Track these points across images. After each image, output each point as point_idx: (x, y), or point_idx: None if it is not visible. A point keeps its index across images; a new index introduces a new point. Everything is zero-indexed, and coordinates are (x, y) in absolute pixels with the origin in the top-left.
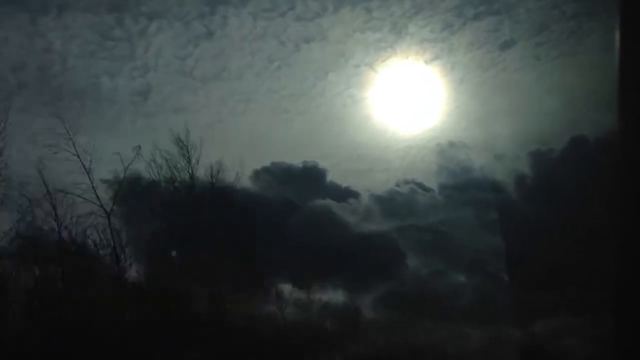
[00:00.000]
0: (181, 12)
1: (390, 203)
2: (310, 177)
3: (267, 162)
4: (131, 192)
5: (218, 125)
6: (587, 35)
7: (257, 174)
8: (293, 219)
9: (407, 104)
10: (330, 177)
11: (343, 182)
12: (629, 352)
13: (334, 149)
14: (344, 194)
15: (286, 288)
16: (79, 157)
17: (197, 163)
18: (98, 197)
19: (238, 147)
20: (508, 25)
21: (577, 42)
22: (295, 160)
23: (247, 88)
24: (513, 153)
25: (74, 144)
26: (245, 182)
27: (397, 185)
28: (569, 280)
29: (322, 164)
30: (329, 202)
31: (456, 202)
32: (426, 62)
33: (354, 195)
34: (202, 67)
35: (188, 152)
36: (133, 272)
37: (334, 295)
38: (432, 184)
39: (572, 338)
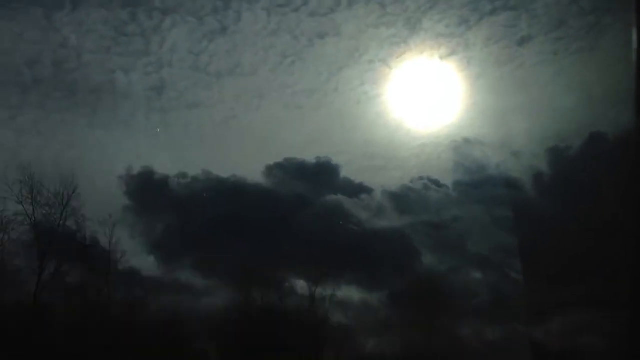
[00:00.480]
0: (195, 7)
1: (404, 199)
2: (323, 173)
3: (280, 158)
4: (145, 188)
5: (232, 121)
6: (605, 30)
7: (269, 170)
8: (306, 215)
9: (422, 101)
10: (345, 173)
11: (357, 179)
12: None
13: (348, 145)
14: (358, 190)
15: (300, 283)
16: None
17: None
18: None
19: (253, 143)
20: (525, 20)
21: (596, 37)
22: (309, 156)
23: (261, 84)
24: (530, 150)
25: None
26: (259, 177)
27: (411, 181)
28: (587, 277)
29: (336, 160)
30: (342, 198)
31: (471, 199)
32: (442, 58)
33: (368, 191)
34: (216, 62)
35: None
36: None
37: (348, 291)
38: (448, 181)
39: (588, 333)
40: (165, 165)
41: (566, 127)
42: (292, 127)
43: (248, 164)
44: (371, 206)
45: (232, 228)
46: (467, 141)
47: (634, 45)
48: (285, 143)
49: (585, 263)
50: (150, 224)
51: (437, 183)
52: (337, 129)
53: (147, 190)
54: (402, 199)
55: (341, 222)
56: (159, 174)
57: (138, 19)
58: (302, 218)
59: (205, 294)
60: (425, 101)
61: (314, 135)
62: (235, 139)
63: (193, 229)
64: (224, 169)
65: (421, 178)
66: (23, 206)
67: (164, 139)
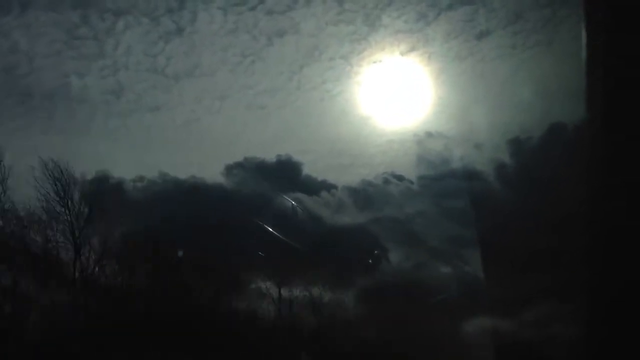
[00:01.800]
0: (148, 8)
1: (368, 196)
2: (285, 171)
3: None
4: (100, 192)
5: (194, 124)
6: (561, 23)
7: (229, 170)
8: (266, 214)
9: (385, 97)
10: (311, 172)
11: (323, 177)
12: (603, 336)
13: (313, 144)
14: (320, 188)
15: (263, 284)
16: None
17: None
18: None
19: (215, 145)
20: (483, 14)
21: (552, 30)
22: (274, 157)
23: (221, 84)
24: (492, 142)
25: None
26: (219, 178)
27: (375, 177)
28: (551, 268)
29: (302, 159)
30: (301, 195)
31: (435, 192)
32: (402, 54)
33: (330, 188)
34: (174, 64)
35: None
36: (105, 273)
37: (315, 291)
38: (413, 176)
39: (552, 324)
40: (126, 169)
41: (526, 119)
42: (256, 128)
43: (210, 165)
44: (334, 203)
45: (190, 229)
46: (429, 135)
47: (583, 40)
48: (249, 144)
49: (550, 253)
50: (105, 230)
51: (400, 178)
52: (302, 128)
53: (101, 195)
54: (365, 195)
55: (304, 220)
56: (113, 177)
57: (90, 21)
58: (262, 217)
59: (166, 300)
60: (388, 97)
61: (279, 135)
62: (198, 142)
63: (151, 233)
64: (185, 171)
65: (386, 174)
66: None
67: (125, 144)
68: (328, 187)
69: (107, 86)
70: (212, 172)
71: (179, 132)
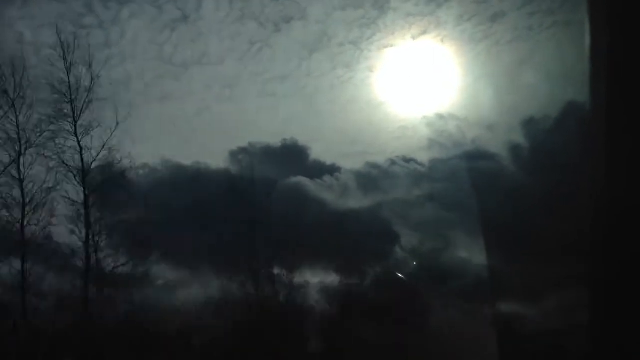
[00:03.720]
0: None
1: (381, 180)
2: (291, 156)
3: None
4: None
5: (205, 112)
6: (579, 3)
7: (233, 155)
8: (273, 199)
9: (397, 82)
10: (320, 158)
11: (332, 162)
12: (604, 326)
13: (326, 132)
14: (328, 171)
15: (274, 272)
16: None
17: None
18: None
19: (227, 134)
20: None
21: (570, 11)
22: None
23: (230, 72)
24: (506, 123)
25: None
26: (225, 163)
27: (390, 163)
28: (564, 255)
29: (313, 146)
30: (310, 180)
31: (446, 175)
32: (414, 38)
33: (338, 171)
34: (181, 52)
35: None
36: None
37: (326, 277)
38: (425, 159)
39: (566, 313)
40: (135, 159)
41: (542, 100)
42: (267, 116)
43: (218, 152)
44: (338, 187)
45: (195, 216)
46: (440, 117)
47: (587, 26)
48: (260, 132)
49: (562, 240)
50: (111, 219)
51: (408, 160)
52: (313, 115)
53: (106, 184)
54: (378, 180)
55: (314, 205)
56: (116, 166)
57: (94, 11)
58: (268, 202)
59: (179, 287)
60: (400, 83)
61: (290, 123)
62: (209, 130)
63: (157, 220)
64: (192, 159)
65: (395, 157)
66: None
67: (133, 134)
68: (333, 170)
69: (114, 76)
70: (218, 158)
71: (189, 121)
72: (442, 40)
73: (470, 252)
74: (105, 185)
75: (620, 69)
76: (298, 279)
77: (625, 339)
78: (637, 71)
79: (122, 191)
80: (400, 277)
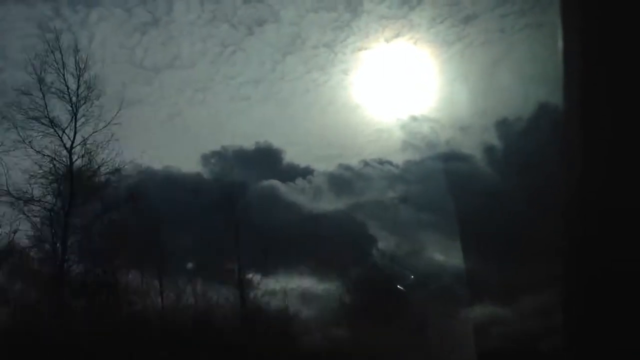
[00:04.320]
0: None
1: (354, 182)
2: (264, 159)
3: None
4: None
5: (177, 117)
6: (551, 5)
7: (206, 159)
8: (245, 202)
9: (372, 85)
10: (295, 161)
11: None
12: (579, 327)
13: (301, 136)
14: (302, 173)
15: (248, 276)
16: None
17: None
18: None
19: (199, 138)
20: None
21: (541, 13)
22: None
23: (202, 76)
24: (479, 124)
25: None
26: (196, 167)
27: (363, 165)
28: (539, 256)
29: (290, 152)
30: (282, 183)
31: (420, 176)
32: (387, 40)
33: (307, 174)
34: (152, 56)
35: None
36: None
37: (303, 282)
38: (400, 161)
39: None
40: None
41: (515, 101)
42: (241, 120)
43: (191, 156)
44: (310, 190)
45: (167, 220)
46: (414, 119)
47: (560, 31)
48: (234, 136)
49: (542, 238)
50: (80, 226)
51: (381, 162)
52: (288, 119)
53: (76, 190)
54: (351, 182)
55: (286, 208)
56: (86, 172)
57: (62, 14)
58: (241, 206)
59: (151, 295)
60: (375, 85)
61: (265, 127)
62: (181, 134)
63: (127, 226)
64: (164, 163)
65: (375, 161)
66: None
67: (104, 139)
68: (307, 173)
69: (85, 80)
70: (190, 162)
71: (161, 125)
72: (415, 43)
73: (446, 255)
74: (75, 192)
75: (593, 71)
76: (273, 283)
77: (598, 340)
78: (611, 72)
79: (92, 197)
80: (398, 288)
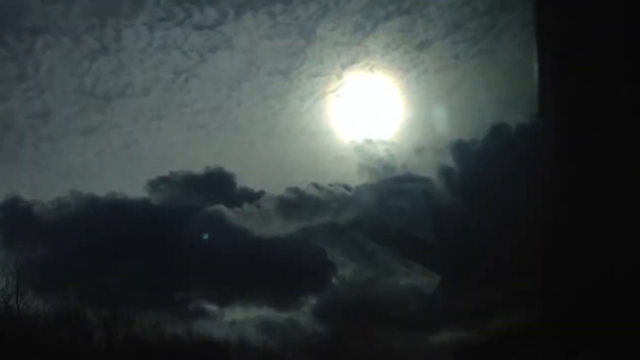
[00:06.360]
0: (67, 26)
1: (311, 207)
2: (215, 183)
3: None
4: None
5: (133, 146)
6: (503, 31)
7: (153, 185)
8: (197, 229)
9: (329, 111)
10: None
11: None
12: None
13: (261, 164)
14: (253, 197)
15: (203, 305)
16: None
17: None
18: None
19: (157, 168)
20: (421, 24)
21: (495, 38)
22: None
23: (156, 104)
24: (434, 146)
25: None
26: (143, 193)
27: (302, 184)
28: (498, 273)
29: (252, 181)
30: (229, 209)
31: (375, 199)
32: (343, 67)
33: (254, 198)
34: (103, 84)
35: None
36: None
37: (262, 311)
38: (355, 185)
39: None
40: (53, 194)
41: (470, 123)
42: (198, 149)
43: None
44: (257, 213)
45: (114, 250)
46: (368, 141)
47: (535, 45)
48: (194, 166)
49: (498, 258)
50: (23, 257)
51: (332, 185)
52: (247, 146)
53: (13, 221)
54: (307, 206)
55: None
56: (25, 201)
57: (6, 42)
58: (191, 232)
59: (97, 328)
60: (332, 111)
61: (222, 156)
62: (137, 163)
63: (73, 255)
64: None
65: (333, 185)
66: None
67: (54, 169)
68: (253, 197)
69: (32, 110)
70: (137, 189)
71: (115, 154)
72: (371, 70)
73: (407, 277)
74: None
75: (569, 86)
76: (229, 313)
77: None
78: (586, 93)
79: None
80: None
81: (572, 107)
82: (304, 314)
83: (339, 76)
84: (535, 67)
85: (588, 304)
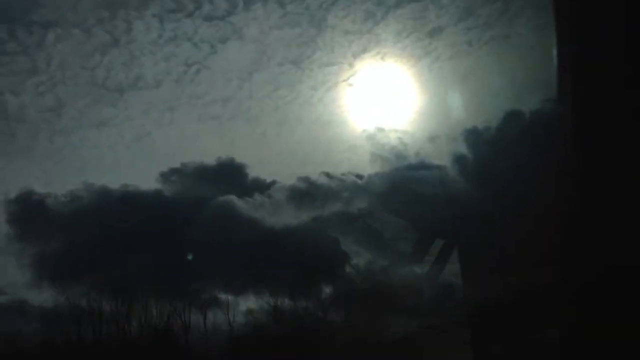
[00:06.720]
0: (77, 19)
1: (326, 196)
2: (228, 174)
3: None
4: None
5: (146, 138)
6: (517, 16)
7: (165, 176)
8: (207, 219)
9: (341, 100)
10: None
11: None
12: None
13: (273, 154)
14: (267, 187)
15: (217, 294)
16: None
17: None
18: None
19: (169, 159)
20: (432, 11)
21: (507, 23)
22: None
23: (168, 96)
24: (447, 134)
25: None
26: (155, 184)
27: (314, 174)
28: (512, 261)
29: (265, 172)
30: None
31: (387, 188)
32: (354, 55)
33: (265, 188)
34: (114, 76)
35: None
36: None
37: (274, 300)
38: (368, 174)
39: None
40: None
41: (484, 110)
42: (211, 140)
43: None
44: (269, 203)
45: (127, 241)
46: (380, 130)
47: (553, 30)
48: (208, 158)
49: (514, 246)
50: (36, 250)
51: (345, 174)
52: (260, 137)
53: (27, 213)
54: (319, 195)
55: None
56: (38, 194)
57: (17, 36)
58: (203, 223)
59: (113, 318)
60: (344, 100)
61: (235, 147)
62: (150, 156)
63: (87, 247)
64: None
65: (345, 174)
66: None
67: (68, 162)
68: (265, 187)
69: (45, 103)
70: (150, 180)
71: (128, 146)
72: (382, 58)
73: (421, 266)
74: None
75: (587, 75)
76: (244, 302)
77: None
78: (604, 78)
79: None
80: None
81: (591, 93)
82: (318, 302)
83: (351, 65)
84: (554, 51)
85: (604, 292)
